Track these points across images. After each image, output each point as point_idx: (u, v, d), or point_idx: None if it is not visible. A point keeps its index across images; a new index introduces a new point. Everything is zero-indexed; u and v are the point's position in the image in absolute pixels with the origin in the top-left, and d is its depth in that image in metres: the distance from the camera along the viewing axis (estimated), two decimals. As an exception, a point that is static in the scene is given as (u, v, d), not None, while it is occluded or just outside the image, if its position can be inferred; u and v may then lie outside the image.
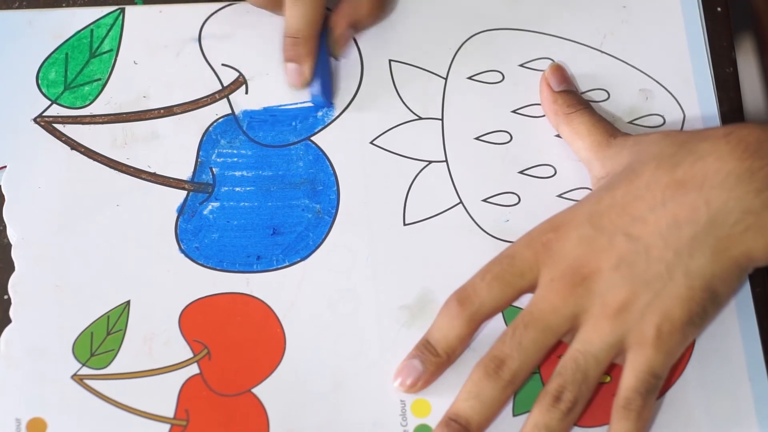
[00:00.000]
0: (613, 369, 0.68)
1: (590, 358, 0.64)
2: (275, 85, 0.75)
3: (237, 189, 0.73)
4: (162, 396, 0.68)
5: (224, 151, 0.74)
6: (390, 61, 0.76)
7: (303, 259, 0.71)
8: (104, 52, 0.75)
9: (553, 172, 0.74)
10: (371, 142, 0.74)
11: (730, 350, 0.69)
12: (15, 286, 0.70)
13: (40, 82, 0.75)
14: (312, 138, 0.74)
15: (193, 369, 0.69)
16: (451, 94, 0.75)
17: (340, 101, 0.75)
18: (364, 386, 0.69)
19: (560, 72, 0.75)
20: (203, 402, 0.68)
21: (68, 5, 0.77)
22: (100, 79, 0.75)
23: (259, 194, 0.73)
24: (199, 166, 0.73)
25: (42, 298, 0.70)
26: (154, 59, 0.76)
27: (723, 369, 0.69)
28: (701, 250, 0.64)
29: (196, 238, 0.72)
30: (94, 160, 0.73)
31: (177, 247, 0.71)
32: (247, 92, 0.75)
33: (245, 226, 0.72)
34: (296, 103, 0.75)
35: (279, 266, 0.71)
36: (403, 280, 0.71)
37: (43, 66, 0.75)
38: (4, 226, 0.71)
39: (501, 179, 0.73)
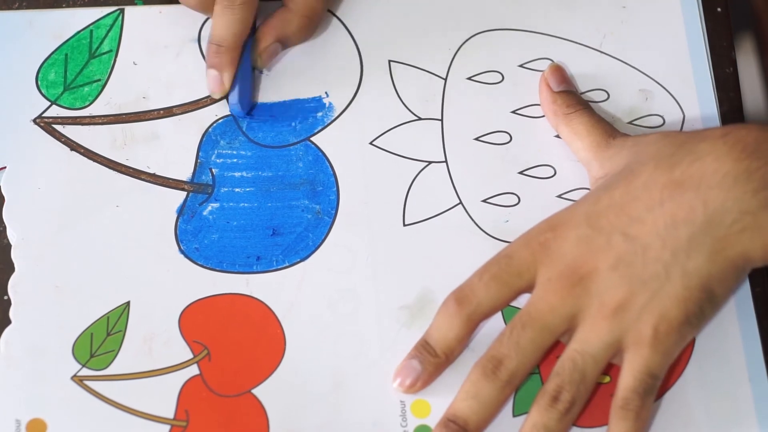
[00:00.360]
0: (612, 369, 0.68)
1: (588, 358, 0.64)
2: (275, 85, 0.75)
3: (237, 190, 0.73)
4: (162, 397, 0.68)
5: (224, 151, 0.74)
6: (390, 61, 0.76)
7: (303, 259, 0.71)
8: (104, 53, 0.75)
9: (552, 173, 0.74)
10: (371, 143, 0.74)
11: (730, 350, 0.69)
12: (15, 286, 0.70)
13: (39, 82, 0.75)
14: (311, 138, 0.74)
15: (193, 370, 0.69)
16: (451, 95, 0.75)
17: (339, 102, 0.75)
18: (364, 386, 0.69)
19: (560, 72, 0.75)
20: (203, 403, 0.68)
21: (68, 6, 0.77)
22: (99, 80, 0.75)
23: (259, 195, 0.73)
24: (199, 166, 0.73)
25: (42, 299, 0.70)
26: (154, 60, 0.76)
27: (723, 369, 0.69)
28: (698, 251, 0.64)
29: (195, 238, 0.72)
30: (94, 160, 0.73)
31: (177, 247, 0.71)
32: (246, 93, 0.75)
33: (245, 227, 0.72)
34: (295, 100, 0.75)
35: (279, 267, 0.71)
36: (403, 281, 0.71)
37: (42, 66, 0.75)
38: (4, 227, 0.71)
39: (501, 180, 0.73)
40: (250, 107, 0.74)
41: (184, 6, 0.75)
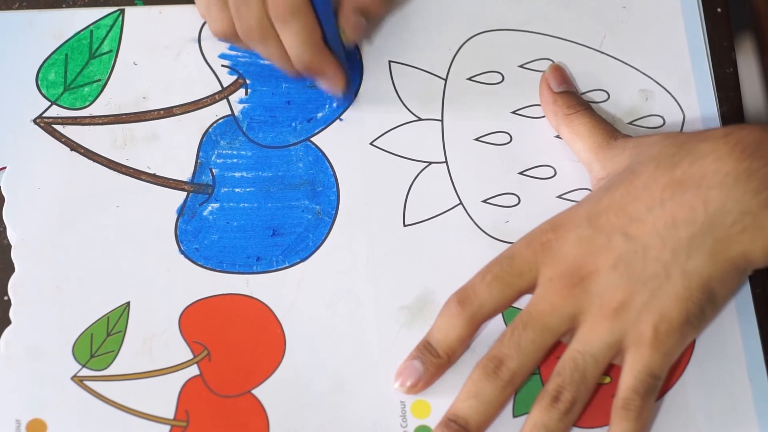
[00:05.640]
0: (612, 369, 0.68)
1: (589, 358, 0.64)
2: (275, 85, 0.75)
3: (237, 190, 0.73)
4: (162, 397, 0.68)
5: (224, 152, 0.74)
6: (390, 62, 0.76)
7: (303, 260, 0.71)
8: (104, 53, 0.75)
9: (552, 173, 0.74)
10: (371, 143, 0.74)
11: (730, 350, 0.69)
12: (15, 286, 0.70)
13: (39, 83, 0.75)
14: (312, 139, 0.74)
15: (193, 370, 0.69)
16: (451, 95, 0.75)
17: (339, 103, 0.75)
18: (364, 387, 0.69)
19: (560, 73, 0.75)
20: (203, 403, 0.68)
21: (68, 6, 0.77)
22: (99, 80, 0.75)
23: (259, 195, 0.73)
24: (199, 167, 0.73)
25: (42, 299, 0.70)
26: (154, 60, 0.76)
27: (723, 369, 0.69)
28: (699, 251, 0.64)
29: (195, 239, 0.72)
30: (94, 161, 0.73)
31: (177, 248, 0.71)
32: (247, 93, 0.75)
33: (245, 227, 0.72)
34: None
35: (279, 267, 0.71)
36: (403, 281, 0.71)
37: (42, 67, 0.75)
38: (4, 227, 0.71)
39: (501, 180, 0.73)
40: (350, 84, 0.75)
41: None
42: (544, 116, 0.75)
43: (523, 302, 0.67)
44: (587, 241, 0.66)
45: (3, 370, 0.68)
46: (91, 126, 0.74)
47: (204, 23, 0.76)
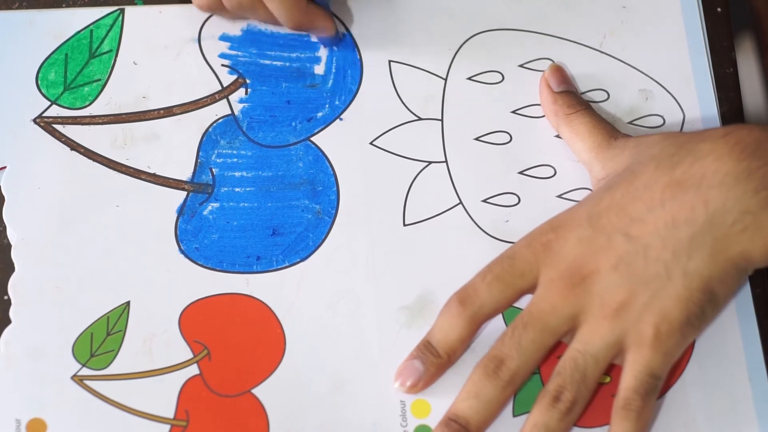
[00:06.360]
0: (612, 369, 0.68)
1: (589, 358, 0.64)
2: (275, 85, 0.75)
3: (237, 189, 0.73)
4: (162, 397, 0.68)
5: (224, 151, 0.74)
6: (390, 61, 0.76)
7: (303, 259, 0.71)
8: (104, 53, 0.75)
9: (552, 173, 0.74)
10: (371, 143, 0.74)
11: (730, 350, 0.69)
12: (15, 286, 0.70)
13: (39, 82, 0.75)
14: (312, 138, 0.74)
15: (193, 370, 0.69)
16: (451, 95, 0.75)
17: (339, 102, 0.75)
18: (364, 387, 0.69)
19: (560, 72, 0.75)
20: (203, 403, 0.68)
21: (68, 5, 0.77)
22: (99, 80, 0.75)
23: (259, 195, 0.73)
24: (199, 166, 0.73)
25: (42, 299, 0.70)
26: (154, 60, 0.76)
27: (723, 369, 0.69)
28: (699, 251, 0.64)
29: (195, 238, 0.72)
30: (94, 160, 0.73)
31: (177, 247, 0.71)
32: (246, 93, 0.75)
33: (245, 227, 0.72)
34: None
35: (279, 267, 0.71)
36: (403, 281, 0.71)
37: (42, 66, 0.75)
38: (4, 227, 0.71)
39: (501, 180, 0.73)
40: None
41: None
42: (544, 116, 0.75)
43: (523, 303, 0.67)
44: (588, 242, 0.66)
45: (3, 370, 0.68)
46: (91, 126, 0.74)
47: (204, 23, 0.76)
